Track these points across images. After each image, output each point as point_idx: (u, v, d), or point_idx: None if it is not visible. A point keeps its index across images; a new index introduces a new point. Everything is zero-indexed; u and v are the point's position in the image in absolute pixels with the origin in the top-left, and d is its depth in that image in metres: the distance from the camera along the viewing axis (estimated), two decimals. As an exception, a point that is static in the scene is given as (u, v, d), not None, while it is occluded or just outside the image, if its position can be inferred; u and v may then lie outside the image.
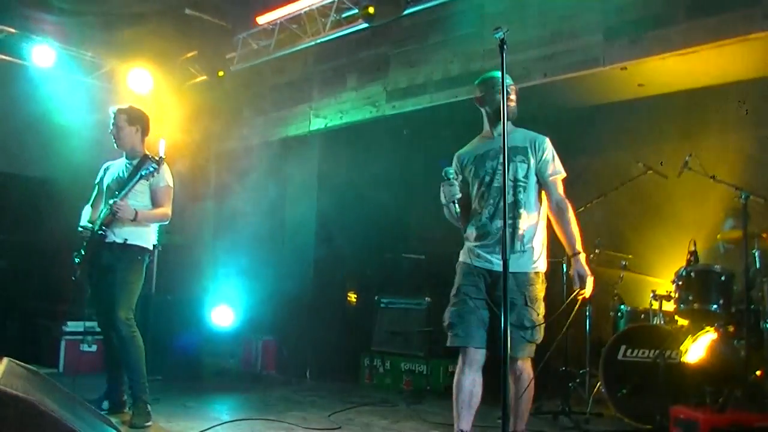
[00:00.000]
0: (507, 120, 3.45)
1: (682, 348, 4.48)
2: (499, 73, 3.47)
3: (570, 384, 5.26)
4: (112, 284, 4.45)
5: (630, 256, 5.47)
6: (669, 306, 4.88)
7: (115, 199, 4.37)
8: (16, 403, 2.16)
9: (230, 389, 6.31)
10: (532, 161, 3.54)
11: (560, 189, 3.59)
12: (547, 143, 3.61)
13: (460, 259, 3.64)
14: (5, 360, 2.67)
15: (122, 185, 4.52)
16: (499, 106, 3.33)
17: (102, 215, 4.50)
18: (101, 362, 7.00)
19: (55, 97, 7.49)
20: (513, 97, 3.57)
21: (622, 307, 5.30)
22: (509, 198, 3.44)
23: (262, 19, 7.02)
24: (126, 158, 4.73)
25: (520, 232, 3.46)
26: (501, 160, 3.36)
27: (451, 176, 3.54)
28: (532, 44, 5.71)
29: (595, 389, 4.99)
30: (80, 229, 4.62)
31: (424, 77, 6.58)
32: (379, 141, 7.18)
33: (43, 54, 7.15)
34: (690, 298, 4.61)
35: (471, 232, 3.62)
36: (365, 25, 6.22)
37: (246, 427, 4.53)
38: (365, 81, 7.11)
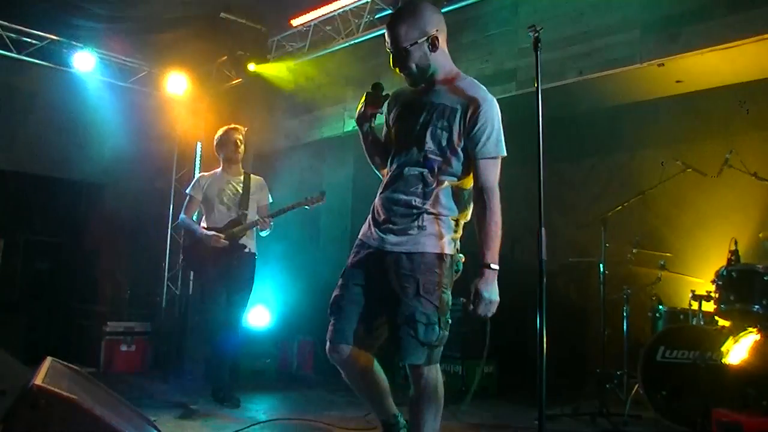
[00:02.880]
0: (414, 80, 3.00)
1: (723, 349, 4.39)
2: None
3: (607, 385, 5.19)
4: (243, 289, 5.15)
5: (668, 255, 5.37)
6: (709, 306, 4.78)
7: (270, 220, 5.19)
8: (61, 401, 2.20)
9: (267, 389, 6.35)
10: (458, 129, 2.73)
11: (489, 175, 2.71)
12: (486, 110, 2.71)
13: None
14: (48, 359, 2.72)
15: (239, 200, 5.27)
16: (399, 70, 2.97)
17: (238, 227, 5.16)
18: (140, 362, 7.15)
19: (94, 101, 7.64)
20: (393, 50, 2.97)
21: (661, 307, 5.22)
22: (415, 170, 2.79)
23: (297, 21, 7.05)
24: (225, 172, 5.34)
25: (425, 207, 2.76)
26: (429, 118, 2.81)
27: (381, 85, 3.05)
28: (567, 42, 5.64)
29: (634, 391, 4.92)
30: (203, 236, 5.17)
31: (457, 76, 6.54)
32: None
33: (83, 60, 7.28)
34: (731, 298, 4.51)
35: (377, 198, 2.98)
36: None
37: (283, 428, 4.56)
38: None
